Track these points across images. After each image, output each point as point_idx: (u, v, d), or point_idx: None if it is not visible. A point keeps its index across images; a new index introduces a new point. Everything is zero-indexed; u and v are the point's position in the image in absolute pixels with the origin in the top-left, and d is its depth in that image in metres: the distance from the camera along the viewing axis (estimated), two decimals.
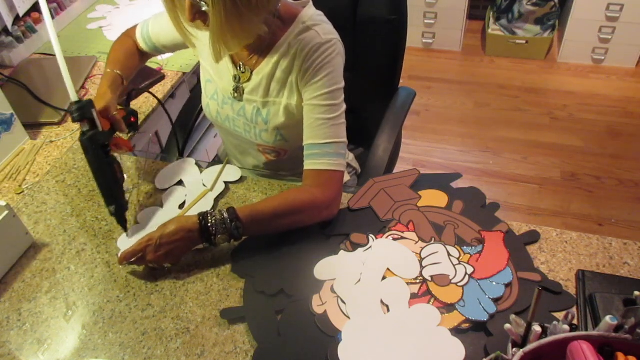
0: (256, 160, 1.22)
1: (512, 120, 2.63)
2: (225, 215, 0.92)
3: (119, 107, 1.06)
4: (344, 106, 1.01)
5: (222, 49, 0.92)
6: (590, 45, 2.86)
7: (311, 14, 1.01)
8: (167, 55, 1.54)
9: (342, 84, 1.00)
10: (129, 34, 1.22)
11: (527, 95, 2.78)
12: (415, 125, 2.63)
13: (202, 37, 1.04)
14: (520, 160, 2.40)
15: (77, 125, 1.32)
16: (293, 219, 0.97)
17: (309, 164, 0.99)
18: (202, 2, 0.85)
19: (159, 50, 1.21)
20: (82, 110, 0.92)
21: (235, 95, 1.09)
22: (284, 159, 1.17)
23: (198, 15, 0.88)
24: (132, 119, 1.10)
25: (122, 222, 1.00)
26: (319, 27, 0.99)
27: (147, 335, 0.86)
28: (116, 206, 0.98)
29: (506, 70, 2.97)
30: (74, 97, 0.93)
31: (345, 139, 1.01)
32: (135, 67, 1.21)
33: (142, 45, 1.20)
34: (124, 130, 1.02)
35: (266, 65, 1.03)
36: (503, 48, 3.02)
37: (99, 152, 0.94)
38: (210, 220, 0.92)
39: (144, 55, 1.24)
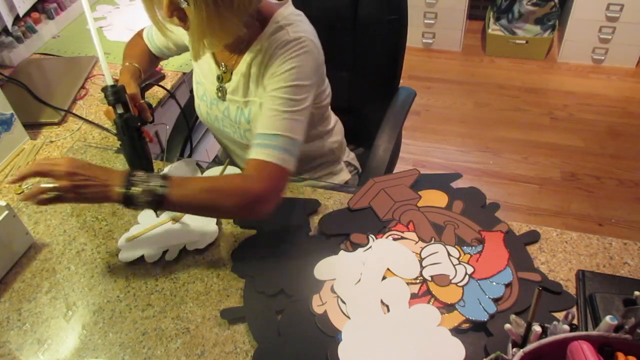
0: None
1: (512, 120, 2.63)
2: (154, 172, 0.89)
3: None
4: (306, 105, 0.96)
5: (201, 48, 0.92)
6: (590, 45, 2.85)
7: (287, 13, 1.00)
8: None
9: (307, 82, 0.96)
10: (141, 34, 1.24)
11: (527, 95, 2.78)
12: (415, 125, 2.63)
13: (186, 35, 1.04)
14: (520, 160, 2.40)
15: (76, 126, 1.33)
16: (219, 200, 0.90)
17: (252, 153, 0.93)
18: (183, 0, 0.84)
19: (163, 52, 1.23)
20: (118, 94, 0.96)
21: (219, 95, 1.09)
22: None
23: (176, 12, 0.88)
24: (150, 111, 1.11)
25: None
26: (291, 26, 0.97)
27: (147, 335, 0.86)
28: None
29: (506, 70, 2.97)
30: (109, 81, 0.96)
31: (298, 138, 0.94)
32: (148, 64, 1.22)
33: (150, 46, 1.22)
34: (149, 118, 1.04)
35: (242, 65, 1.03)
36: (503, 48, 3.02)
37: (134, 134, 0.96)
38: (136, 174, 0.86)
39: (156, 57, 1.26)
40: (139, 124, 0.99)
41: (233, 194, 0.90)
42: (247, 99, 1.06)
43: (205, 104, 1.15)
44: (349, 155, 1.36)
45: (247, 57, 1.01)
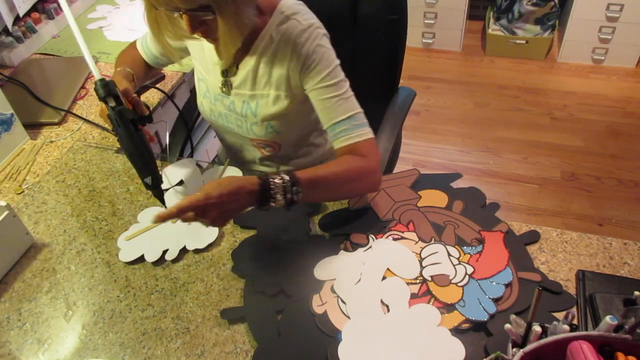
0: (252, 157, 1.23)
1: (512, 120, 2.63)
2: (286, 178, 0.87)
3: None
4: (347, 80, 1.01)
5: (236, 50, 0.95)
6: (590, 45, 2.86)
7: (290, 3, 1.01)
8: None
9: (338, 61, 1.00)
10: (134, 45, 1.24)
11: (527, 95, 2.78)
12: (415, 125, 2.63)
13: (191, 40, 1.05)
14: (520, 160, 2.40)
15: (76, 126, 1.33)
16: (350, 186, 0.97)
17: (340, 142, 0.98)
18: (204, 12, 0.85)
19: (159, 62, 1.23)
20: (108, 87, 0.94)
21: (224, 90, 1.10)
22: (279, 153, 1.17)
23: (200, 27, 0.89)
24: (147, 110, 1.10)
25: (160, 195, 0.95)
26: (298, 15, 0.99)
27: (147, 335, 0.86)
28: (152, 177, 0.93)
29: (506, 70, 2.97)
30: (97, 75, 0.95)
31: (360, 109, 1.01)
32: (142, 71, 1.22)
33: (144, 56, 1.22)
34: (145, 111, 1.01)
35: (250, 59, 1.03)
36: (503, 48, 3.02)
37: (130, 126, 0.93)
38: (271, 183, 0.86)
39: (150, 68, 1.25)
40: (135, 118, 0.96)
41: (360, 179, 0.97)
42: (254, 93, 1.06)
43: (208, 100, 1.15)
44: None
45: (255, 51, 1.02)
